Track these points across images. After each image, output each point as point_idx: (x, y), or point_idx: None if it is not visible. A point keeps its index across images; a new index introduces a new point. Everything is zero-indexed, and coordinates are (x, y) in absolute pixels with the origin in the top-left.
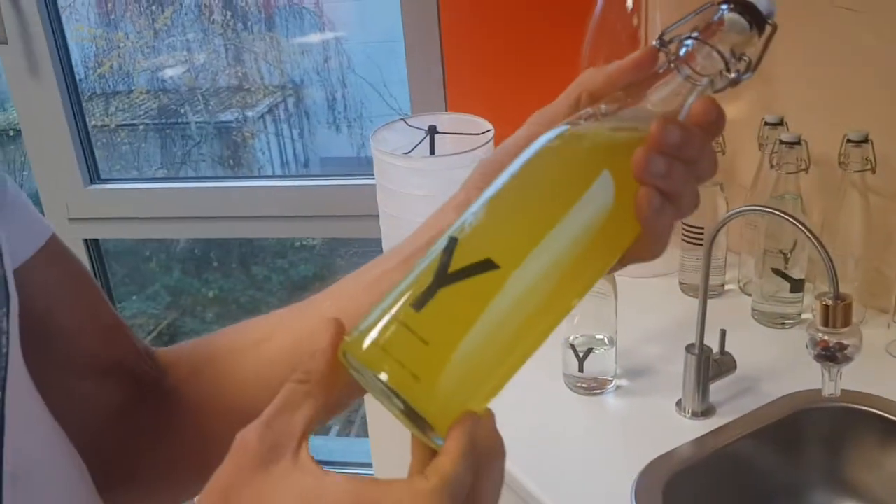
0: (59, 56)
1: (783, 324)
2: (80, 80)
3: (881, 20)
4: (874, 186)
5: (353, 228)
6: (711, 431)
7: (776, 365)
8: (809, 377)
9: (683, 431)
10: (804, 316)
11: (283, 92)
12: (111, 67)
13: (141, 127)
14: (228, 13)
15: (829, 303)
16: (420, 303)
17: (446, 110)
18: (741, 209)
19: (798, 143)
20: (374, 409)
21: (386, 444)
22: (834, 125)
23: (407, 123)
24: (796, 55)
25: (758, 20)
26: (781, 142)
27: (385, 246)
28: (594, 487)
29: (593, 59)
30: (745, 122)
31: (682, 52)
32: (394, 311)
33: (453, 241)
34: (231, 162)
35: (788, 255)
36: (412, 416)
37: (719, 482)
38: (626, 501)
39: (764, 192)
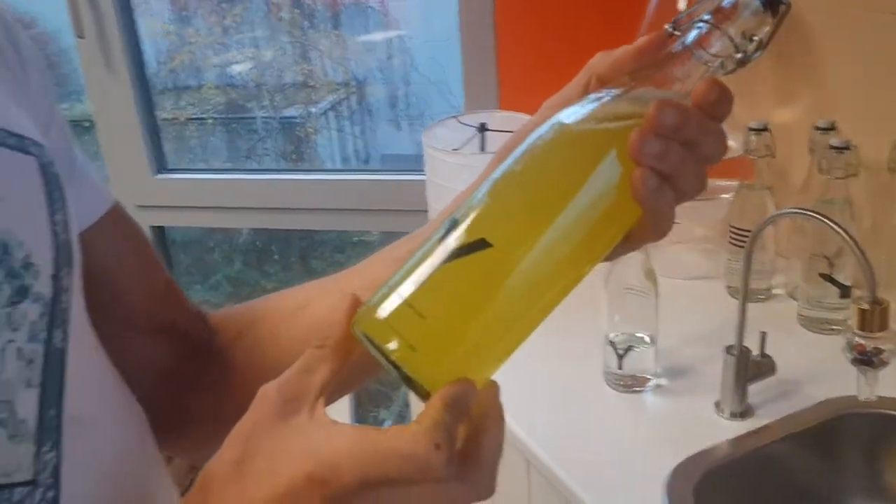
0: (131, 50)
1: (829, 329)
2: (153, 75)
3: None
4: None
5: (406, 223)
6: (748, 432)
7: (818, 369)
8: (851, 383)
9: (720, 431)
10: (850, 322)
11: (346, 89)
12: (182, 62)
13: (209, 121)
14: (296, 11)
15: (867, 307)
16: (420, 280)
17: (499, 108)
18: (781, 212)
19: (847, 148)
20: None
21: None
22: (885, 131)
23: (459, 121)
24: (848, 61)
25: (774, 5)
26: (831, 147)
27: None
28: (628, 482)
29: None
30: (797, 127)
31: (693, 34)
32: (397, 287)
33: (454, 223)
34: (294, 157)
35: (833, 261)
36: (412, 384)
37: (753, 483)
38: (658, 497)
39: (813, 196)
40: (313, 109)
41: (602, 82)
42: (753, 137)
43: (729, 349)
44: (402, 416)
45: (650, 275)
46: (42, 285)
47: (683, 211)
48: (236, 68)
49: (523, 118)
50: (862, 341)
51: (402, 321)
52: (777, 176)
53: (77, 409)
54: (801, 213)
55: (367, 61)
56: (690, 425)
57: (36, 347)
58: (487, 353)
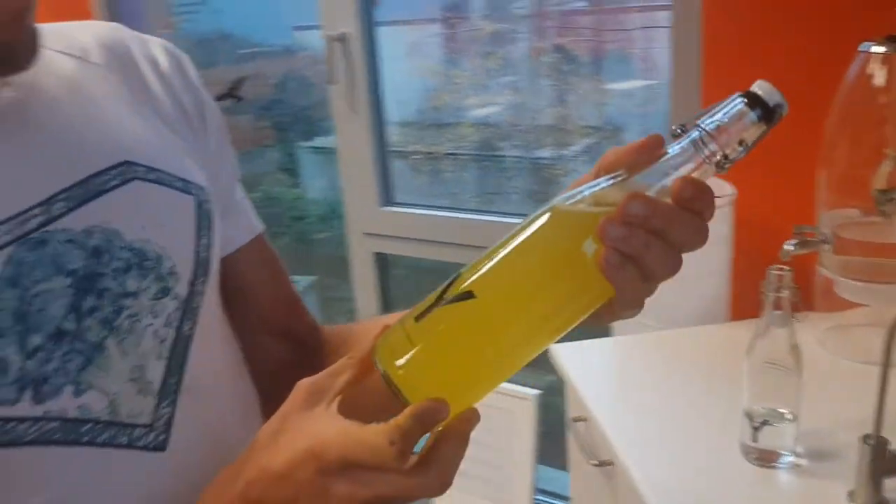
0: (373, 95)
1: None
2: (420, 111)
3: None
4: None
5: None
6: None
7: None
8: None
9: None
10: None
11: (600, 133)
12: (446, 101)
13: (463, 157)
14: (558, 56)
15: None
16: (420, 316)
17: None
18: None
19: None
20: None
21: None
22: None
23: None
24: None
25: (768, 114)
26: None
27: None
28: None
29: (837, 132)
30: None
31: (690, 138)
32: (405, 321)
33: (457, 275)
34: (540, 197)
35: None
36: (399, 397)
37: None
38: None
39: None
40: (565, 152)
41: (607, 172)
42: None
43: (865, 438)
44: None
45: (794, 350)
46: (181, 288)
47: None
48: (493, 108)
49: (715, 181)
50: None
51: (398, 345)
52: None
53: (193, 381)
54: None
55: (625, 107)
56: None
57: (169, 331)
58: (462, 384)
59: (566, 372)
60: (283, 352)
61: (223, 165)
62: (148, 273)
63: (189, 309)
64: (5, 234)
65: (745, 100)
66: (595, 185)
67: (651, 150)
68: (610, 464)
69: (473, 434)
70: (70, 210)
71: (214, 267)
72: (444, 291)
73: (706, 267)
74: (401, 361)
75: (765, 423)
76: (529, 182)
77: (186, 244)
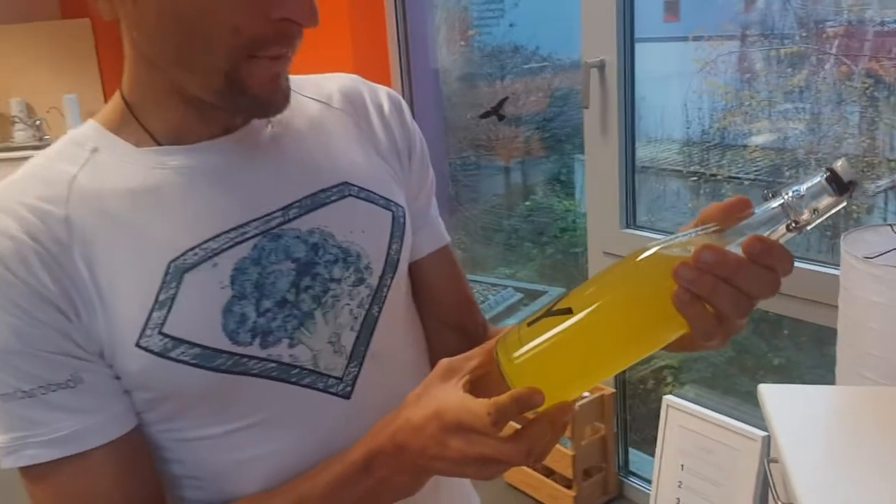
0: (624, 119)
1: None
2: (704, 131)
3: None
4: None
5: (813, 313)
6: None
7: None
8: None
9: None
10: None
11: None
12: (733, 122)
13: (746, 182)
14: (869, 80)
15: None
16: (531, 322)
17: None
18: None
19: None
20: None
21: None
22: None
23: (894, 230)
24: None
25: (842, 189)
26: None
27: (840, 339)
28: None
29: None
30: None
31: (774, 204)
32: (521, 324)
33: (566, 292)
34: (829, 231)
35: None
36: (507, 384)
37: None
38: None
39: None
40: (869, 185)
41: (704, 223)
42: None
43: None
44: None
45: None
46: (372, 280)
47: None
48: (787, 132)
49: None
50: None
51: (511, 343)
52: None
53: (377, 350)
54: None
55: None
56: None
57: (361, 312)
58: (555, 381)
59: (769, 410)
60: (454, 342)
61: (422, 188)
62: (350, 266)
63: (377, 297)
64: (255, 229)
65: (826, 174)
66: (690, 234)
67: (739, 210)
68: None
69: (696, 466)
70: (300, 215)
71: (402, 267)
72: (553, 305)
73: None
74: (511, 355)
75: None
76: None
77: (381, 247)
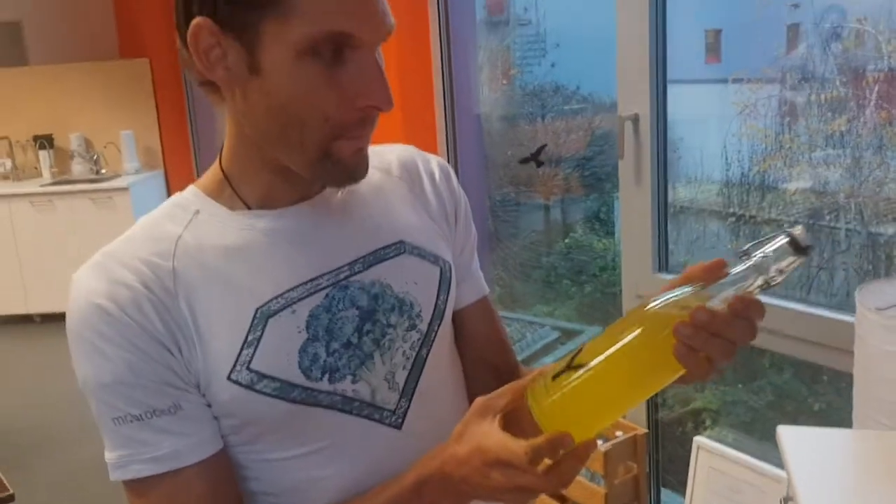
0: (657, 169)
1: None
2: (743, 174)
3: None
4: None
5: (833, 359)
6: None
7: None
8: None
9: None
10: None
11: None
12: (774, 164)
13: (786, 225)
14: None
15: None
16: (555, 376)
17: None
18: None
19: None
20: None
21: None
22: None
23: None
24: None
25: (801, 251)
26: None
27: (855, 385)
28: None
29: None
30: None
31: (746, 265)
32: (546, 377)
33: (580, 350)
34: (872, 276)
35: None
36: (538, 425)
37: None
38: None
39: None
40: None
41: (689, 281)
42: None
43: None
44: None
45: None
46: (423, 326)
47: None
48: (829, 176)
49: None
50: None
51: (539, 392)
52: None
53: (425, 388)
54: None
55: None
56: None
57: (412, 353)
58: (577, 425)
59: (787, 451)
60: (489, 379)
61: (465, 245)
62: (404, 314)
63: (426, 340)
64: (326, 281)
65: (788, 238)
66: (680, 293)
67: (718, 269)
68: None
69: None
70: (364, 269)
71: (448, 315)
72: (573, 359)
73: None
74: (541, 403)
75: None
76: (863, 259)
77: (430, 298)
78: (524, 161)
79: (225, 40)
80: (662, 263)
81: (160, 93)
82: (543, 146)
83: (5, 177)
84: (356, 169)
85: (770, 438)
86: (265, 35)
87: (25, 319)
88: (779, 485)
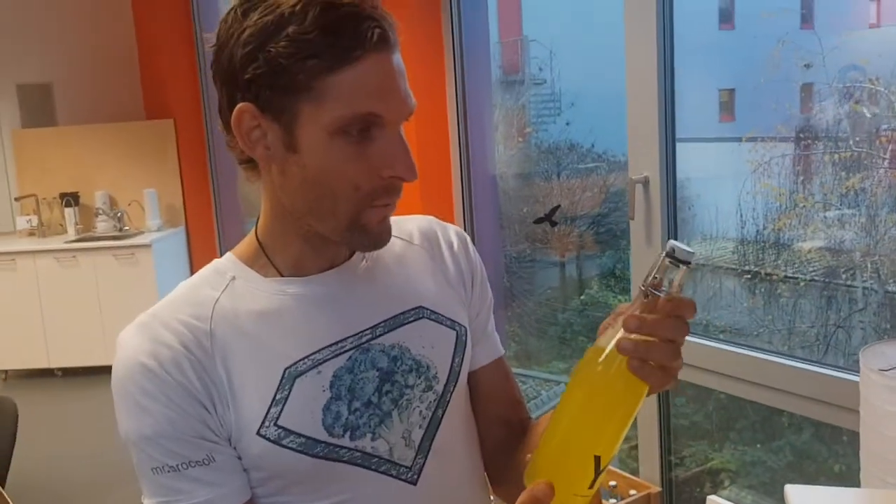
0: (667, 229)
1: None
2: (758, 231)
3: None
4: None
5: (840, 417)
6: None
7: None
8: None
9: None
10: None
11: None
12: (788, 223)
13: (801, 283)
14: None
15: None
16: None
17: None
18: None
19: None
20: None
21: None
22: None
23: None
24: None
25: (682, 262)
26: None
27: (862, 444)
28: None
29: None
30: None
31: (644, 289)
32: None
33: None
34: (889, 335)
35: None
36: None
37: None
38: None
39: None
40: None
41: (616, 316)
42: None
43: None
44: None
45: None
46: (439, 387)
47: None
48: (844, 235)
49: None
50: None
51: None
52: None
53: (440, 445)
54: None
55: None
56: None
57: (428, 413)
58: (556, 475)
59: None
60: (502, 435)
61: (482, 308)
62: (421, 375)
63: (442, 401)
64: (350, 343)
65: (669, 259)
66: (611, 327)
67: (638, 303)
68: None
69: None
70: (385, 333)
71: (463, 377)
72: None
73: None
74: (528, 470)
75: None
76: (880, 317)
77: (446, 361)
78: (538, 221)
79: (265, 122)
80: None
81: (183, 152)
82: (557, 206)
83: (32, 233)
84: (381, 236)
85: None
86: (301, 117)
87: (46, 373)
88: None
